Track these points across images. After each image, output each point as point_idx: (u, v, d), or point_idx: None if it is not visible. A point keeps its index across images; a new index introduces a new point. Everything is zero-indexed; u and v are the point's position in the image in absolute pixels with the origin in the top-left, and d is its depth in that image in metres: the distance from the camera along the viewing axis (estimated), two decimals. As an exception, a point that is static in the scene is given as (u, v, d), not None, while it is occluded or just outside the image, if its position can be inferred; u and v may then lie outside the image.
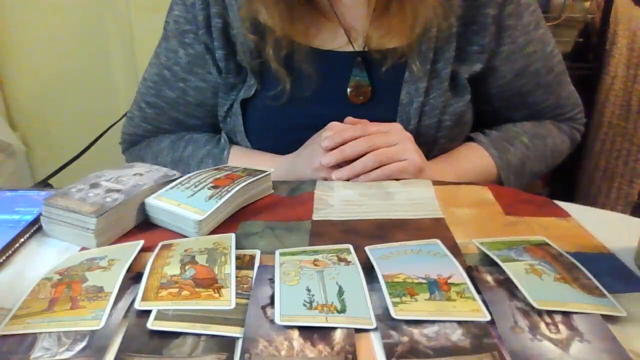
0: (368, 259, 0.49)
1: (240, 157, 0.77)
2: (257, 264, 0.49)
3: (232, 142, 0.80)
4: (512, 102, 0.81)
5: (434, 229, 0.57)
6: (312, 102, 0.74)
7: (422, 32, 0.71)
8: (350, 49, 0.75)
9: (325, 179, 0.67)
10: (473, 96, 0.77)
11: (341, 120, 0.70)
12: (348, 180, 0.66)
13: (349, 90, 0.74)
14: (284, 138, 0.75)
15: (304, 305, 0.42)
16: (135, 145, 0.86)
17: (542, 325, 0.40)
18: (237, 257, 0.49)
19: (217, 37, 0.73)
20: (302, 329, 0.40)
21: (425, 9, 0.69)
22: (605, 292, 0.44)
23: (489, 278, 0.46)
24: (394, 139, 0.67)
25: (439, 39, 0.72)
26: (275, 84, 0.74)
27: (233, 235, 0.53)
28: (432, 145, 0.76)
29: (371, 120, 0.71)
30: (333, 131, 0.67)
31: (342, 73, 0.74)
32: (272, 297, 0.44)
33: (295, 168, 0.71)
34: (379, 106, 0.75)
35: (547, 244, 0.52)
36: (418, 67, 0.72)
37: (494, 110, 0.82)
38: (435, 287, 0.45)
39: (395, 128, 0.69)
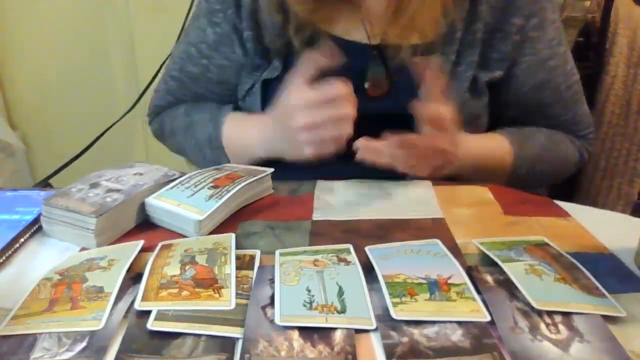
0: (368, 259, 0.49)
1: (234, 124, 0.78)
2: (257, 264, 0.49)
3: None
4: (530, 113, 0.82)
5: (434, 229, 0.57)
6: None
7: (443, 33, 0.72)
8: (368, 41, 0.75)
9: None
10: (491, 102, 0.78)
11: (359, 112, 0.70)
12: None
13: (367, 84, 0.74)
14: None
15: (304, 305, 0.42)
16: (159, 115, 0.89)
17: (542, 326, 0.40)
18: (237, 257, 0.49)
19: (246, 17, 0.74)
20: (302, 329, 0.40)
21: (444, 8, 0.70)
22: (605, 292, 0.44)
23: (489, 278, 0.46)
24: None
25: (463, 43, 0.73)
26: (291, 66, 0.73)
27: (233, 235, 0.53)
28: None
29: (388, 114, 0.71)
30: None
31: (359, 64, 0.74)
32: (272, 298, 0.44)
33: (274, 137, 0.70)
34: (397, 101, 0.74)
35: (547, 244, 0.52)
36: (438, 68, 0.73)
37: (511, 118, 0.82)
38: (435, 287, 0.45)
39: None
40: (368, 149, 0.62)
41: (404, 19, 0.72)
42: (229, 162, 0.77)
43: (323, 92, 0.62)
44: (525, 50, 0.76)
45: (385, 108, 0.72)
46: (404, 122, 0.69)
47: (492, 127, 0.81)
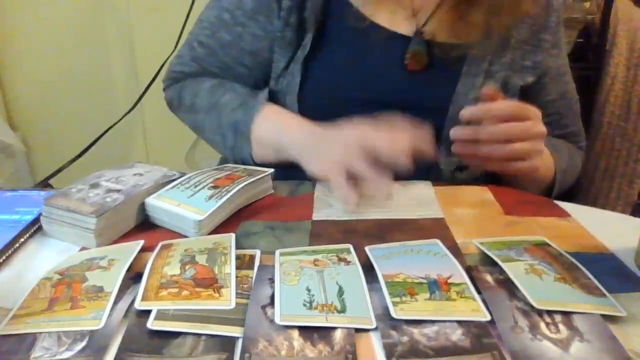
0: (368, 259, 0.49)
1: (270, 117, 0.75)
2: (257, 264, 0.49)
3: (279, 104, 0.78)
4: (550, 121, 0.82)
5: (434, 229, 0.57)
6: (367, 74, 0.74)
7: (487, 37, 0.73)
8: (405, 31, 0.75)
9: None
10: None
11: (398, 95, 0.72)
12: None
13: (407, 57, 0.74)
14: (335, 107, 0.74)
15: (304, 305, 0.42)
16: (179, 83, 0.85)
17: (542, 325, 0.40)
18: (237, 257, 0.49)
19: None
20: (302, 329, 0.40)
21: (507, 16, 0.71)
22: (605, 292, 0.44)
23: (489, 278, 0.46)
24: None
25: (498, 45, 0.74)
26: (334, 48, 0.75)
27: (233, 235, 0.53)
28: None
29: (428, 94, 0.73)
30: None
31: (397, 54, 0.75)
32: (272, 297, 0.44)
33: (315, 146, 0.69)
34: (435, 77, 0.74)
35: (547, 244, 0.52)
36: (477, 64, 0.74)
37: None
38: (435, 287, 0.45)
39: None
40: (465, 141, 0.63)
41: (452, 17, 0.74)
42: (249, 151, 0.74)
43: (383, 147, 0.62)
44: (551, 61, 0.78)
45: (423, 83, 0.73)
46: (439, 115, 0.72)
47: None
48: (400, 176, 0.68)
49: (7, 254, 0.51)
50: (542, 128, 0.65)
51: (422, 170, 0.74)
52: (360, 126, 0.65)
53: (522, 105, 0.64)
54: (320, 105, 0.75)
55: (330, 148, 0.65)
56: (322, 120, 0.72)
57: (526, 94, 0.77)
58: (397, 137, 0.62)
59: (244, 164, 0.75)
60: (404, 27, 0.75)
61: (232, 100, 0.77)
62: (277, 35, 0.75)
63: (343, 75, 0.75)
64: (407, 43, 0.74)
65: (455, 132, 0.66)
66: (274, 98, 0.78)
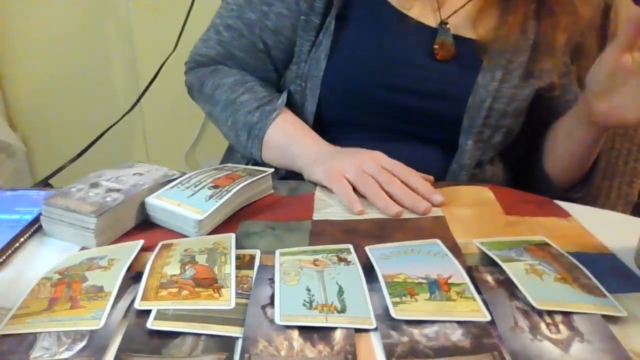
0: (368, 259, 0.49)
1: (285, 125, 0.76)
2: (257, 263, 0.49)
3: (300, 90, 0.79)
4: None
5: (434, 228, 0.56)
6: (393, 59, 0.75)
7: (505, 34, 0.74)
8: (430, 23, 0.76)
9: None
10: (536, 109, 0.80)
11: (422, 82, 0.73)
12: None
13: (435, 46, 0.75)
14: (359, 91, 0.76)
15: (304, 305, 0.42)
16: (202, 68, 0.86)
17: (543, 326, 0.40)
18: (237, 257, 0.49)
19: None
20: (302, 329, 0.40)
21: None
22: (605, 292, 0.44)
23: (489, 278, 0.46)
24: None
25: (516, 45, 0.75)
26: (359, 33, 0.75)
27: (233, 235, 0.53)
28: (493, 133, 0.76)
29: (451, 83, 0.74)
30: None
31: (425, 43, 0.75)
32: (272, 297, 0.44)
33: (325, 161, 0.70)
34: (462, 66, 0.75)
35: (548, 244, 0.52)
36: (495, 58, 0.74)
37: (542, 123, 0.83)
38: (436, 287, 0.45)
39: None
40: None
41: (482, 13, 0.75)
42: (259, 156, 0.76)
43: (403, 173, 0.65)
44: (571, 66, 0.80)
45: (448, 72, 0.75)
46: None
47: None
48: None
49: (7, 254, 0.51)
50: None
51: (444, 163, 0.75)
52: (376, 152, 0.67)
53: None
54: (344, 89, 0.76)
55: (342, 161, 0.67)
56: (346, 104, 0.74)
57: (545, 93, 0.78)
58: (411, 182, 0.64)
59: (255, 162, 0.76)
60: (428, 18, 0.76)
61: (250, 101, 0.78)
62: (302, 19, 0.76)
63: (369, 59, 0.75)
64: (432, 33, 0.75)
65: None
66: (298, 82, 0.79)
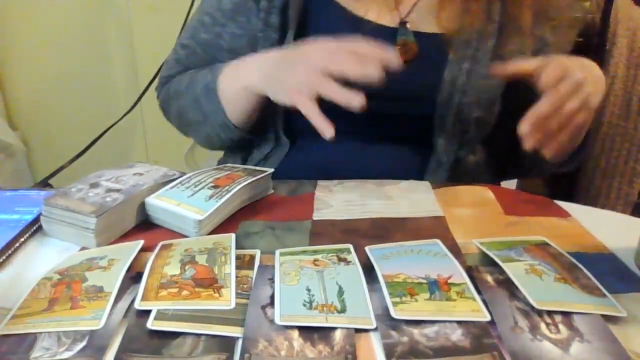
0: (368, 259, 0.49)
1: (231, 65, 0.75)
2: (257, 264, 0.49)
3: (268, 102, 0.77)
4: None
5: (434, 229, 0.56)
6: None
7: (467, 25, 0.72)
8: (389, 23, 0.75)
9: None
10: (514, 91, 0.77)
11: (388, 86, 0.67)
12: None
13: (396, 47, 0.73)
14: (325, 103, 0.73)
15: (304, 305, 0.42)
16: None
17: (542, 326, 0.40)
18: (237, 257, 0.49)
19: None
20: (302, 329, 0.40)
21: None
22: (605, 292, 0.44)
23: (489, 278, 0.46)
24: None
25: (480, 32, 0.74)
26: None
27: (233, 235, 0.53)
28: (467, 127, 0.75)
29: (417, 83, 0.72)
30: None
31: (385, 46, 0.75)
32: (272, 297, 0.44)
33: (277, 72, 0.67)
34: (426, 64, 0.74)
35: (547, 244, 0.52)
36: (461, 50, 0.73)
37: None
38: (435, 287, 0.45)
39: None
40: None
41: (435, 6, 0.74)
42: (224, 115, 0.74)
43: (350, 45, 0.61)
44: (549, 39, 0.77)
45: (412, 72, 0.71)
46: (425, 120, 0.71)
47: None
48: (394, 175, 0.68)
49: (7, 254, 0.51)
50: (579, 74, 0.61)
51: (421, 161, 0.73)
52: (321, 44, 0.64)
53: (557, 65, 0.61)
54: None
55: (294, 72, 0.64)
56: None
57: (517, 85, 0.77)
58: (362, 50, 0.61)
59: (226, 136, 0.75)
60: (387, 19, 0.75)
61: (204, 71, 0.78)
62: (259, 36, 0.75)
63: None
64: (392, 34, 0.73)
65: (524, 126, 0.61)
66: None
